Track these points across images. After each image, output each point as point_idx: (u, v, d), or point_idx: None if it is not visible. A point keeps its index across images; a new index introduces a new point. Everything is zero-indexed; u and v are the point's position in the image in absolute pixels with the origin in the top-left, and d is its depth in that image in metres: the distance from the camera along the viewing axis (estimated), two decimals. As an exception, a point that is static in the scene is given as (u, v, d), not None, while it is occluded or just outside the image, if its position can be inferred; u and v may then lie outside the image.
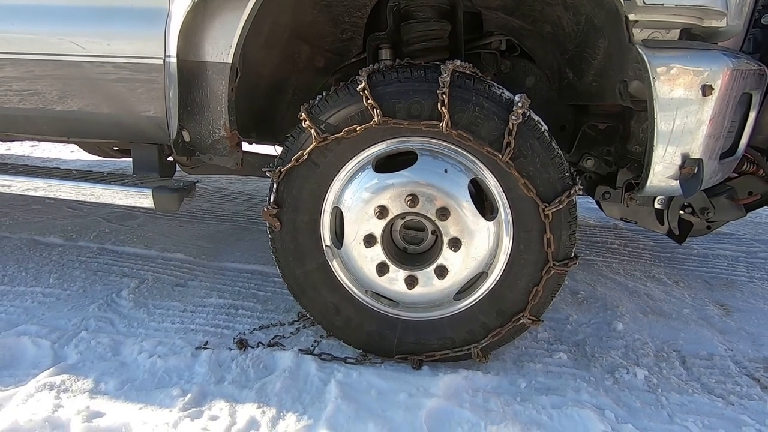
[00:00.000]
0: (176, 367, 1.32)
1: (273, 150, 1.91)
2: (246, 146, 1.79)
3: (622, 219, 1.87)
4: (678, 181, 1.20)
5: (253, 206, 2.88)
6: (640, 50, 1.11)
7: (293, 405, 1.19)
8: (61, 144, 4.67)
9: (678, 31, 1.14)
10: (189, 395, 1.21)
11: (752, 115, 1.35)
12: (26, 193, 1.53)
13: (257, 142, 1.94)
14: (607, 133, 1.63)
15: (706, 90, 1.10)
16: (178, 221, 2.56)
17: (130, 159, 1.56)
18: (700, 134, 1.15)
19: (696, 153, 1.16)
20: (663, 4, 1.08)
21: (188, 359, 1.35)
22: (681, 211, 1.74)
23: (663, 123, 1.14)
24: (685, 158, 1.17)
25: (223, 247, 2.22)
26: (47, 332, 1.46)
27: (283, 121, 1.73)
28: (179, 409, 1.16)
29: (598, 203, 1.99)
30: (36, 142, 4.77)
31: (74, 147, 4.30)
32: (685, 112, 1.13)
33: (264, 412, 1.16)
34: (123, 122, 1.40)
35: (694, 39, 1.19)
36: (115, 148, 2.61)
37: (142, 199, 1.41)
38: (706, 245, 2.41)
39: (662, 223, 1.77)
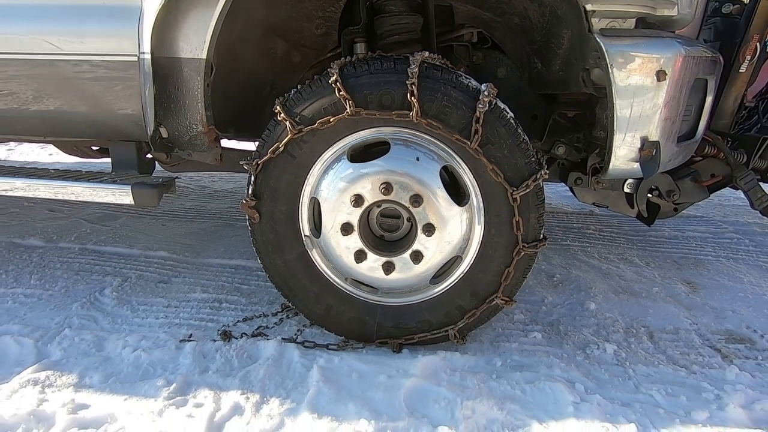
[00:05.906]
0: (161, 359, 1.35)
1: (253, 145, 1.93)
2: (225, 142, 1.81)
3: (594, 204, 1.93)
4: (638, 164, 1.26)
5: (235, 203, 2.89)
6: (598, 39, 1.17)
7: (276, 390, 1.23)
8: (39, 146, 4.60)
9: (633, 20, 1.20)
10: (174, 385, 1.23)
11: (709, 100, 1.42)
12: (4, 193, 1.52)
13: (236, 138, 1.96)
14: (575, 121, 1.69)
15: (660, 75, 1.16)
16: (160, 220, 2.56)
17: (109, 159, 1.57)
18: (656, 118, 1.21)
19: (654, 136, 1.23)
20: (617, -5, 1.13)
21: (172, 351, 1.38)
22: (649, 195, 1.82)
23: (622, 108, 1.20)
24: (644, 141, 1.23)
25: (206, 243, 2.23)
26: (30, 331, 1.47)
27: (261, 116, 1.75)
28: (164, 398, 1.19)
29: (571, 189, 2.06)
30: (13, 145, 4.69)
31: (53, 149, 4.24)
32: (641, 98, 1.19)
33: (248, 398, 1.20)
34: (100, 120, 1.41)
35: (650, 28, 1.26)
36: (94, 148, 2.60)
37: (121, 195, 1.42)
38: (676, 227, 2.51)
39: (632, 207, 1.85)
